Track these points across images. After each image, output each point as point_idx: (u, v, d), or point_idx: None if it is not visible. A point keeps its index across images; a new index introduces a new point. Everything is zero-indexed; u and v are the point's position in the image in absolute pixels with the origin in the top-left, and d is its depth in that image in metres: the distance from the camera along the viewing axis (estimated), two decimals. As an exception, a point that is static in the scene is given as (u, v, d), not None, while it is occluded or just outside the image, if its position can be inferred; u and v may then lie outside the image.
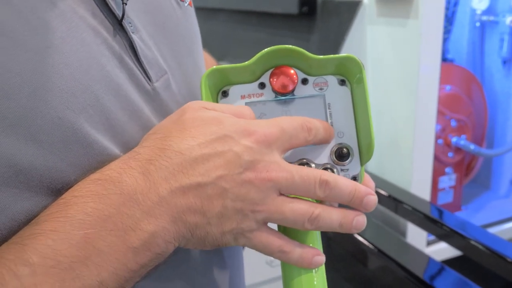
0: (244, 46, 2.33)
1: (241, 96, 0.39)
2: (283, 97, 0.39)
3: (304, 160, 0.38)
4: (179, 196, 0.31)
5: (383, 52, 1.40)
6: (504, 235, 1.78)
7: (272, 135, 0.33)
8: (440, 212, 1.14)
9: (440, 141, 1.71)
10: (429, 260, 1.14)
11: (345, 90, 0.39)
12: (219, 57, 2.08)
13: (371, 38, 1.43)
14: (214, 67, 0.38)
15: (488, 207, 1.93)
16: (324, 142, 0.37)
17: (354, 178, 0.38)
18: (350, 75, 0.39)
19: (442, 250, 1.41)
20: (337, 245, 1.49)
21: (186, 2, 0.44)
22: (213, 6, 2.48)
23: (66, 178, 0.30)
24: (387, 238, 1.32)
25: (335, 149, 0.38)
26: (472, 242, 0.98)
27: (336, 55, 0.38)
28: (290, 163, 0.37)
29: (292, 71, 0.38)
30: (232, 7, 2.32)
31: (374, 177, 1.37)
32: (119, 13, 0.35)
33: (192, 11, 0.47)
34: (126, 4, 0.35)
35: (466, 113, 1.76)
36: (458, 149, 1.74)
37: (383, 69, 1.42)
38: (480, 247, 0.97)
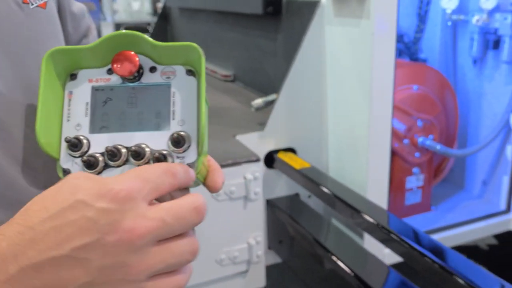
0: (221, 45, 2.33)
1: (89, 80, 0.40)
2: (130, 84, 0.39)
3: (143, 146, 0.38)
4: (30, 274, 0.30)
5: (340, 52, 1.39)
6: (473, 235, 1.78)
7: (133, 188, 0.31)
8: (390, 220, 1.13)
9: (406, 141, 1.70)
10: (382, 264, 1.13)
11: (191, 80, 0.40)
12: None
13: (329, 38, 1.42)
14: (55, 48, 0.38)
15: (460, 207, 1.92)
16: (185, 185, 0.36)
17: (190, 166, 0.38)
18: (195, 65, 0.40)
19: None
20: (299, 247, 1.48)
21: (33, 4, 0.43)
22: (195, 6, 2.49)
23: None
24: (344, 242, 1.31)
25: (173, 136, 0.38)
26: (412, 249, 0.97)
27: (177, 43, 0.39)
28: (126, 148, 0.37)
29: (136, 58, 0.38)
30: (209, 7, 2.32)
31: (333, 181, 1.36)
32: None
33: (44, 13, 0.45)
34: None
35: (434, 113, 1.74)
36: (425, 149, 1.73)
37: (340, 69, 1.41)
38: (421, 255, 0.96)
